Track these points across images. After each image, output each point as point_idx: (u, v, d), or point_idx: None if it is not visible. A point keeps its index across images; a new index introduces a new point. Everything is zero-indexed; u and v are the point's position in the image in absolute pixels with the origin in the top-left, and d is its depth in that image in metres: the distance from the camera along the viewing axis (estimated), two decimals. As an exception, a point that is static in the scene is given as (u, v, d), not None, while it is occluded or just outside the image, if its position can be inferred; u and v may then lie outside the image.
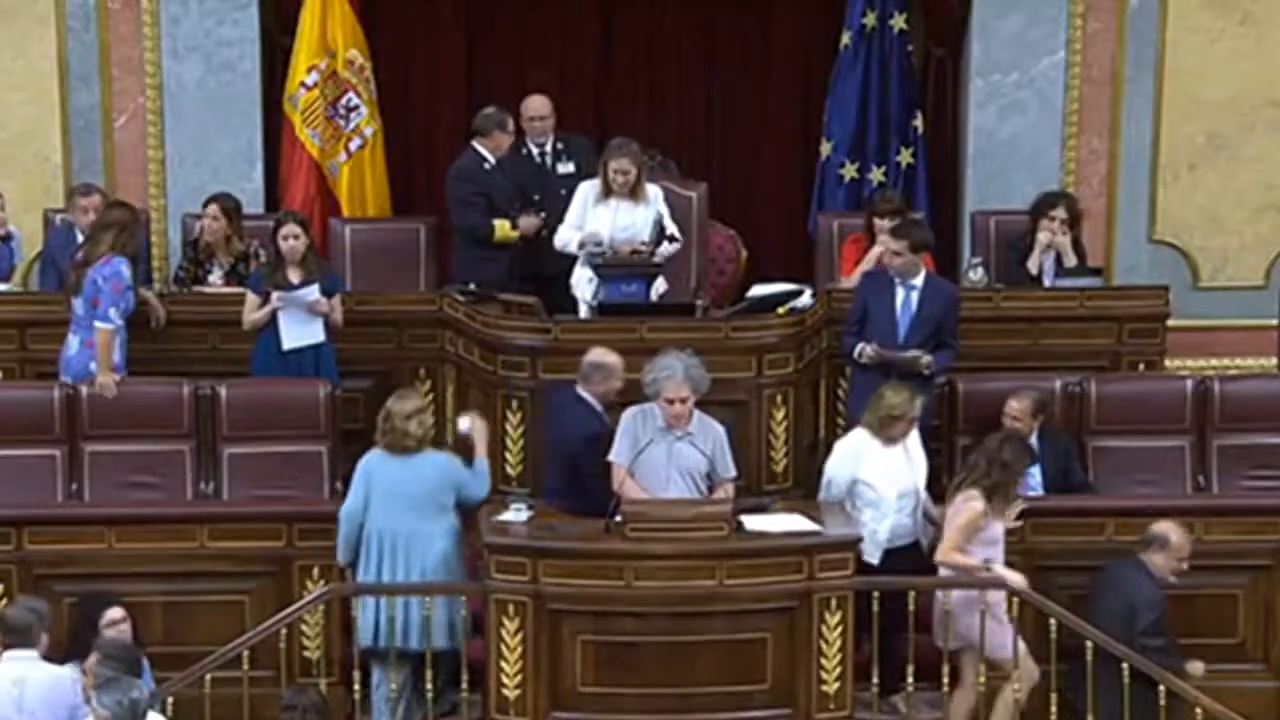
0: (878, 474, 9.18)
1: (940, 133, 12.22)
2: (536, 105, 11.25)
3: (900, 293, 9.97)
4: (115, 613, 8.59)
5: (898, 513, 9.18)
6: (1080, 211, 11.15)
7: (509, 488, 9.90)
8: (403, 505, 8.89)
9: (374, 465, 9.02)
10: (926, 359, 9.88)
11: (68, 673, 8.00)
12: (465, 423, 9.24)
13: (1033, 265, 10.89)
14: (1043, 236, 10.86)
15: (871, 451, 9.22)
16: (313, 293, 10.13)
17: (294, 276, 10.17)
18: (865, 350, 9.88)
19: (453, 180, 11.02)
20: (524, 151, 11.26)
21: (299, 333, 10.14)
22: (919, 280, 9.98)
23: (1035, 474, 9.67)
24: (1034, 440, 9.71)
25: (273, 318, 10.16)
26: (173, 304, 10.61)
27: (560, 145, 11.24)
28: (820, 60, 12.25)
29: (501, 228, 10.85)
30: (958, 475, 9.07)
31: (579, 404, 9.40)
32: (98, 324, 9.95)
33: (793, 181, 12.49)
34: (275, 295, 10.10)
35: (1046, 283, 10.89)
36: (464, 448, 9.29)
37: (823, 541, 8.70)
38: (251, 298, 10.22)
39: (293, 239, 10.19)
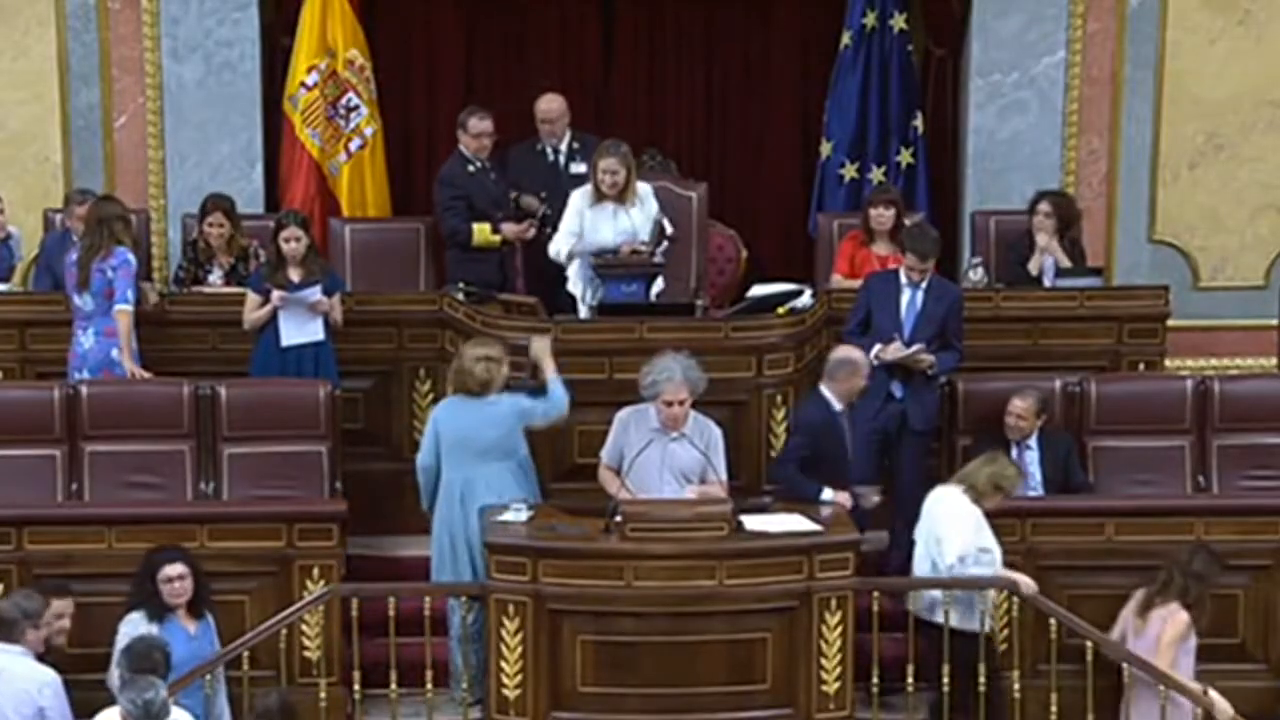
0: (989, 540, 8.99)
1: (940, 133, 12.22)
2: (544, 107, 11.21)
3: (906, 293, 9.97)
4: (171, 569, 8.64)
5: None
6: (1077, 212, 11.16)
7: (509, 487, 9.91)
8: (471, 453, 9.17)
9: (442, 414, 9.29)
10: (929, 359, 9.88)
11: (45, 677, 7.98)
12: (536, 344, 9.41)
13: (1033, 267, 10.89)
14: (1041, 238, 10.87)
15: (980, 517, 9.00)
16: (315, 293, 10.13)
17: (295, 276, 10.18)
18: (886, 351, 9.85)
19: (436, 184, 11.04)
20: (539, 149, 11.25)
21: (298, 330, 10.14)
22: (924, 282, 9.98)
23: (1035, 474, 9.68)
24: (1034, 440, 9.71)
25: (273, 317, 10.16)
26: (172, 304, 10.62)
27: (576, 145, 11.19)
28: (820, 60, 12.25)
29: (481, 231, 10.83)
30: (1147, 590, 8.88)
31: (815, 397, 9.42)
32: (118, 307, 10.03)
33: (793, 181, 12.50)
34: (276, 295, 10.11)
35: (1046, 283, 10.90)
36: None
37: (823, 541, 8.71)
38: (252, 297, 10.23)
39: (294, 241, 10.20)
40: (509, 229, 10.89)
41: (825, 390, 9.39)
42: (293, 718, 8.18)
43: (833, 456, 9.30)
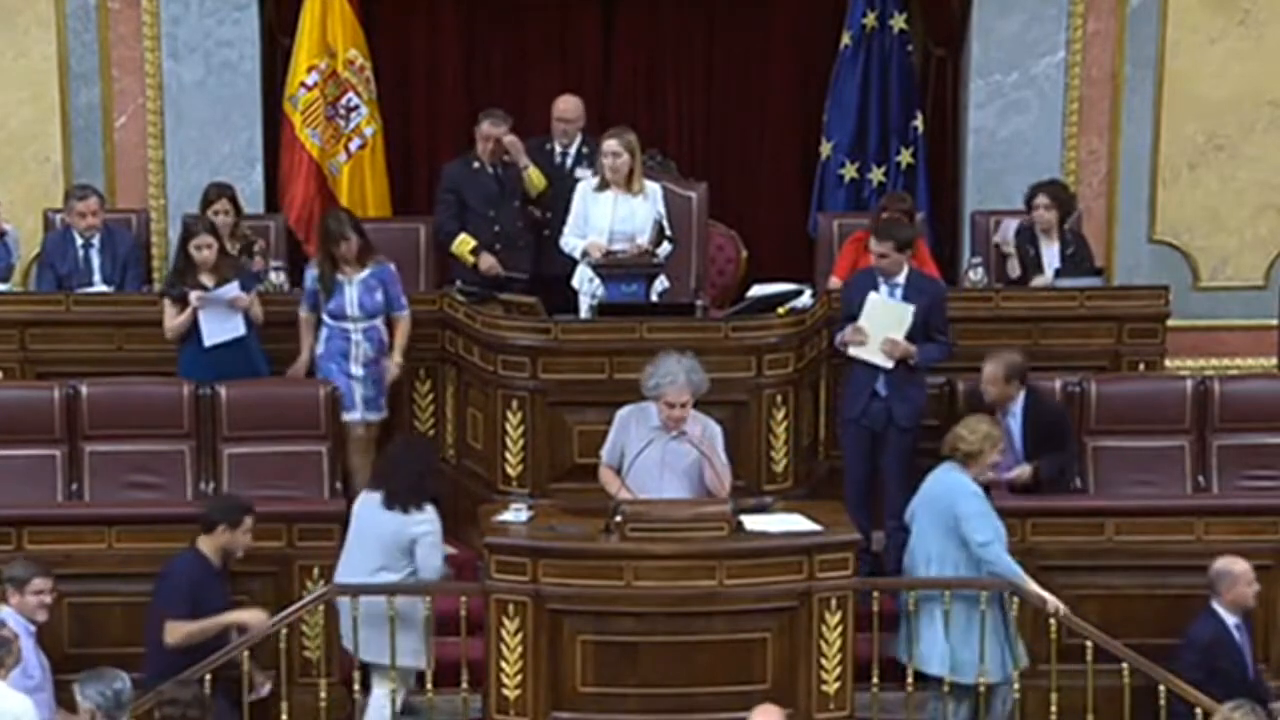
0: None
1: (940, 133, 12.22)
2: (562, 106, 11.23)
3: (883, 290, 9.94)
4: None
5: None
6: (1073, 197, 11.20)
7: (509, 488, 9.90)
8: None
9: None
10: (908, 347, 9.80)
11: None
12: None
13: (1011, 270, 11.00)
14: (1043, 239, 10.91)
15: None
16: (233, 289, 10.12)
17: (208, 282, 10.15)
18: (843, 335, 9.86)
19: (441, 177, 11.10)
20: (547, 147, 11.27)
21: (220, 329, 10.13)
22: (901, 278, 9.94)
23: (1016, 443, 9.61)
24: (1018, 408, 9.64)
25: (194, 321, 10.16)
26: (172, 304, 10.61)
27: (585, 150, 11.18)
28: (820, 60, 12.24)
29: (462, 243, 10.90)
30: None
31: (1207, 613, 8.91)
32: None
33: (793, 181, 12.48)
34: (194, 296, 10.08)
35: (1047, 280, 10.92)
36: None
37: (823, 541, 8.71)
38: (169, 306, 10.21)
39: (206, 248, 10.16)
40: (485, 260, 10.90)
41: (1215, 605, 8.93)
42: (205, 709, 8.08)
43: (1231, 675, 8.78)
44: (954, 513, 8.91)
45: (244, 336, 10.18)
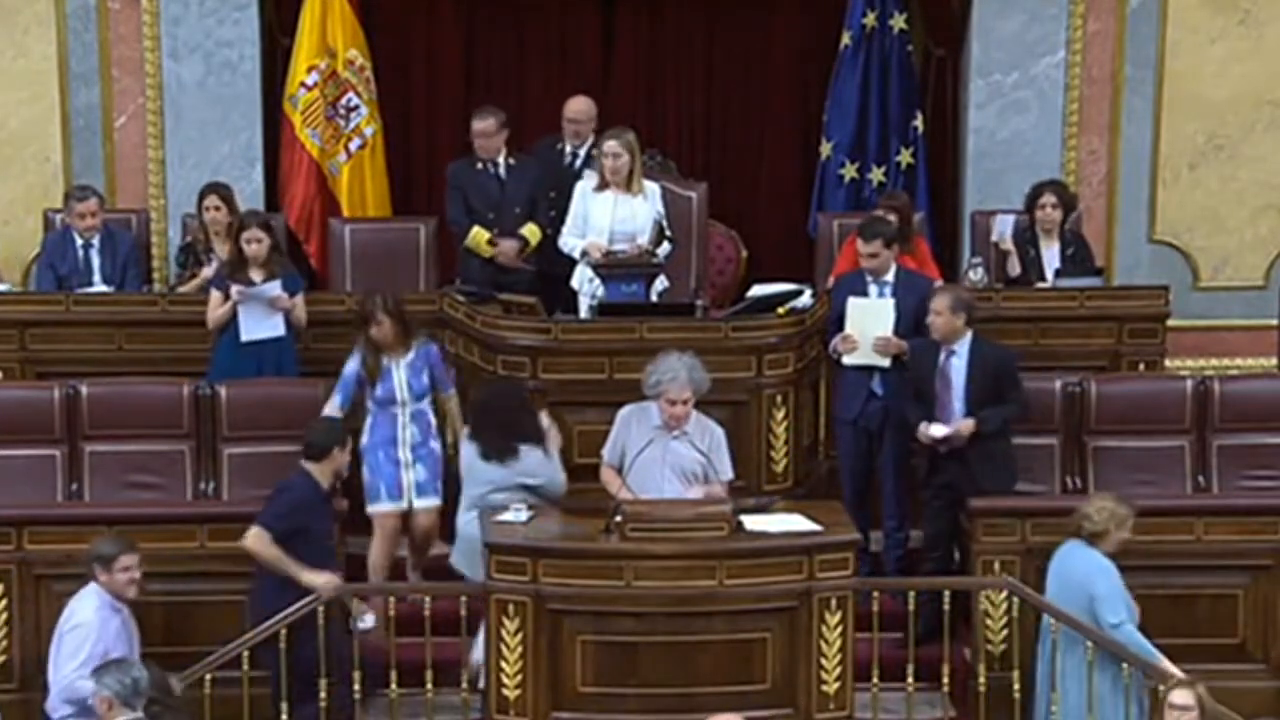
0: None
1: (940, 133, 12.23)
2: (574, 108, 11.25)
3: (872, 291, 9.94)
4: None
5: None
6: (1075, 197, 11.22)
7: (509, 488, 9.91)
8: None
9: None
10: (900, 343, 9.80)
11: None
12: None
13: (1011, 269, 11.00)
14: (1044, 240, 10.91)
15: None
16: (274, 287, 10.14)
17: (256, 277, 10.19)
18: (834, 344, 9.87)
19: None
20: (558, 146, 11.27)
21: (258, 326, 10.16)
22: (890, 276, 9.94)
23: (958, 384, 9.58)
24: (963, 346, 9.57)
25: (233, 314, 10.17)
26: (172, 304, 10.63)
27: (596, 152, 11.16)
28: (820, 60, 12.25)
29: (477, 235, 10.86)
30: None
31: None
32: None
33: (793, 181, 12.49)
34: (235, 290, 10.11)
35: (1047, 280, 10.91)
36: None
37: (823, 541, 8.70)
38: (215, 296, 10.24)
39: (255, 242, 10.21)
40: (505, 245, 10.87)
41: None
42: (169, 693, 8.11)
43: None
44: (1089, 593, 8.79)
45: (281, 337, 10.20)
